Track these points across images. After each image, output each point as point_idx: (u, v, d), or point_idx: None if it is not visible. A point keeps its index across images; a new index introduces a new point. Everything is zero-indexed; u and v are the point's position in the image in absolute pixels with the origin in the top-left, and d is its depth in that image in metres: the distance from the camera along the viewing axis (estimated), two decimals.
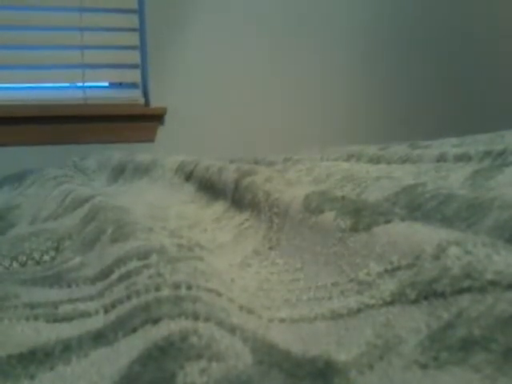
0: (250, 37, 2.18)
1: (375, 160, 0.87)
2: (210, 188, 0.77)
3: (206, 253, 0.56)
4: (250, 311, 0.40)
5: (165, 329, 0.34)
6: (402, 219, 0.41)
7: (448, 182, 0.65)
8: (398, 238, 0.39)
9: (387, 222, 0.41)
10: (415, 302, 0.32)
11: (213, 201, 0.74)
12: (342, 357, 0.31)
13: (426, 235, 0.37)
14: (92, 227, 0.66)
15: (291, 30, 2.22)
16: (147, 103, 2.10)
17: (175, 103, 2.09)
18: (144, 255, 0.48)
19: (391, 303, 0.34)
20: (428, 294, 0.32)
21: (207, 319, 0.35)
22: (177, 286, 0.40)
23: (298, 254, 0.49)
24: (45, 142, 1.96)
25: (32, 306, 0.43)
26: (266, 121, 2.20)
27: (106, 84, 2.12)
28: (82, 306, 0.43)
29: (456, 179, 0.66)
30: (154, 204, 0.79)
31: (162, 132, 2.10)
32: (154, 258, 0.47)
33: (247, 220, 0.62)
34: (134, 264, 0.47)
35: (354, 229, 0.43)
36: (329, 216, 0.47)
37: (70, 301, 0.45)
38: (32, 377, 0.33)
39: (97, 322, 0.40)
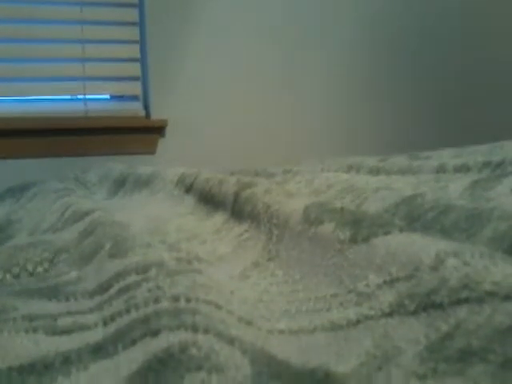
0: (250, 49, 2.19)
1: (375, 171, 0.88)
2: (210, 200, 0.77)
3: (206, 265, 0.56)
4: (249, 323, 0.40)
5: (164, 341, 0.34)
6: (401, 230, 0.42)
7: (447, 192, 0.65)
8: (396, 249, 0.39)
9: (386, 233, 0.41)
10: (414, 313, 0.33)
11: (213, 212, 0.74)
12: (341, 368, 0.31)
13: (425, 246, 0.37)
14: (90, 241, 0.66)
15: (292, 41, 2.23)
16: (148, 115, 2.11)
17: (176, 115, 2.10)
18: (143, 269, 0.48)
19: (390, 314, 0.34)
20: (426, 305, 0.32)
21: (206, 331, 0.35)
22: (176, 299, 0.40)
23: (298, 265, 0.49)
24: (46, 154, 1.97)
25: (31, 319, 0.43)
26: (267, 133, 2.20)
27: (107, 96, 2.13)
28: (81, 319, 0.43)
29: (455, 190, 0.66)
30: (154, 217, 0.79)
31: (162, 144, 2.11)
32: (152, 271, 0.47)
33: (247, 231, 0.62)
34: (132, 278, 0.47)
35: (353, 240, 0.43)
36: (328, 227, 0.47)
37: (69, 313, 0.45)
38: None
39: (96, 335, 0.40)
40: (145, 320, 0.37)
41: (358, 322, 0.35)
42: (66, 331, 0.41)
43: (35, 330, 0.41)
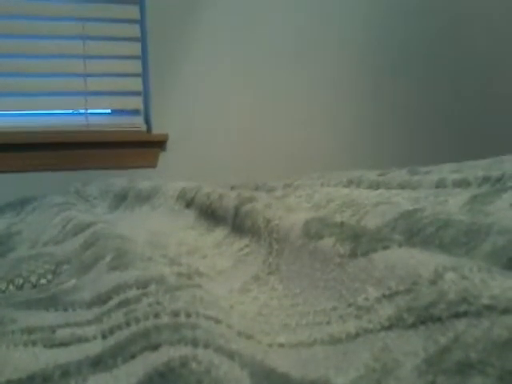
0: (251, 64, 2.20)
1: (375, 185, 0.88)
2: (210, 215, 0.78)
3: (206, 279, 0.56)
4: (249, 337, 0.40)
5: (165, 355, 0.34)
6: (400, 245, 0.42)
7: (446, 207, 0.66)
8: (395, 263, 0.39)
9: (385, 248, 0.42)
10: (412, 326, 0.33)
11: (213, 227, 0.74)
12: (340, 381, 0.31)
13: (423, 261, 0.37)
14: (90, 252, 0.66)
15: (293, 55, 2.24)
16: (149, 130, 2.12)
17: (177, 130, 2.10)
18: (143, 284, 0.48)
19: (389, 328, 0.34)
20: (425, 318, 0.33)
21: (206, 346, 0.35)
22: (176, 314, 0.40)
23: (298, 279, 0.49)
24: (48, 168, 1.97)
25: (29, 331, 0.43)
26: (267, 146, 2.21)
27: (109, 111, 2.14)
28: (79, 331, 0.43)
29: (454, 204, 0.66)
30: (155, 231, 0.79)
31: (163, 158, 2.12)
32: (153, 287, 0.47)
33: (247, 246, 0.62)
34: (133, 292, 0.47)
35: (353, 254, 0.44)
36: (328, 242, 0.48)
37: (68, 325, 0.45)
38: None
39: (95, 347, 0.40)
40: (145, 334, 0.38)
41: (357, 335, 0.36)
42: (65, 343, 0.41)
43: (34, 343, 0.41)
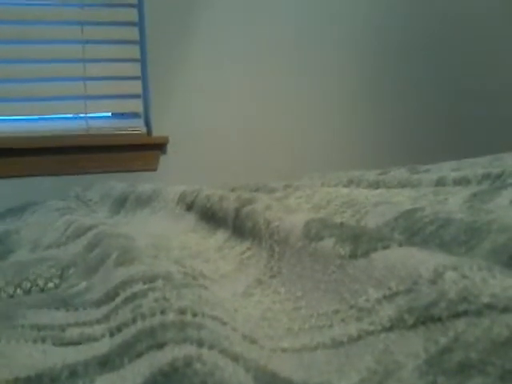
0: (250, 68, 2.20)
1: (375, 185, 0.88)
2: (211, 217, 0.78)
3: (209, 282, 0.56)
4: (253, 341, 0.40)
5: (169, 354, 0.34)
6: (400, 245, 0.42)
7: (446, 205, 0.66)
8: (395, 263, 0.39)
9: (385, 247, 0.42)
10: (413, 327, 0.33)
11: (214, 230, 0.75)
12: None
13: (423, 260, 0.37)
14: (96, 253, 0.66)
15: (292, 57, 2.25)
16: (149, 133, 2.12)
17: (177, 132, 2.10)
18: (150, 279, 0.48)
19: (390, 329, 0.34)
20: (425, 318, 0.33)
21: (211, 346, 0.35)
22: (182, 312, 0.40)
23: (300, 281, 0.49)
24: (48, 172, 1.98)
25: (39, 328, 0.43)
26: (267, 148, 2.21)
27: (109, 114, 2.14)
28: (88, 330, 0.44)
29: (454, 203, 0.67)
30: (157, 234, 0.80)
31: (164, 161, 2.12)
32: (159, 282, 0.47)
33: (249, 249, 0.62)
34: (139, 287, 0.47)
35: (353, 255, 0.44)
36: (328, 243, 0.48)
37: (77, 324, 0.45)
38: None
39: (103, 347, 0.40)
40: (151, 332, 0.38)
41: (359, 337, 0.36)
42: (74, 342, 0.41)
43: (43, 340, 0.41)
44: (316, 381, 0.33)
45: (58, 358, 0.38)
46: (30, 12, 1.99)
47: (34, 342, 0.41)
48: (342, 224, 0.51)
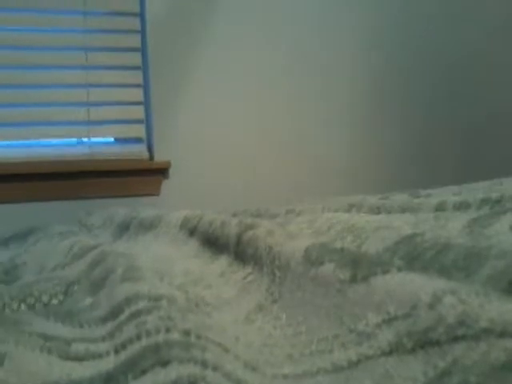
0: (251, 92, 2.22)
1: (375, 210, 0.89)
2: (213, 243, 0.78)
3: (212, 309, 0.57)
4: (255, 368, 0.40)
5: (174, 372, 0.34)
6: (400, 270, 0.42)
7: (446, 230, 0.66)
8: (395, 288, 0.39)
9: (385, 272, 0.42)
10: (412, 351, 0.33)
11: (217, 255, 0.75)
12: None
13: (422, 285, 0.38)
14: (100, 269, 0.67)
15: (292, 84, 2.27)
16: (152, 158, 2.13)
17: (179, 157, 2.12)
18: (155, 298, 0.49)
19: (389, 353, 0.35)
20: (424, 342, 0.33)
21: (215, 369, 0.35)
22: (187, 333, 0.40)
23: (300, 306, 0.49)
24: (52, 197, 1.98)
25: (46, 338, 0.43)
26: (268, 173, 2.22)
27: (112, 139, 2.16)
28: (93, 347, 0.44)
29: (454, 228, 0.67)
30: (159, 259, 0.80)
31: (166, 185, 2.13)
32: (164, 302, 0.48)
33: (250, 274, 0.63)
34: (144, 304, 0.48)
35: (353, 280, 0.44)
36: (328, 268, 0.48)
37: (83, 340, 0.46)
38: None
39: (107, 364, 0.40)
40: (155, 349, 0.38)
41: (359, 361, 0.36)
42: (79, 358, 0.42)
43: (49, 351, 0.41)
44: None
45: (62, 371, 0.39)
46: (34, 37, 2.02)
47: (41, 350, 0.41)
48: (342, 249, 0.51)
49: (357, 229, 0.67)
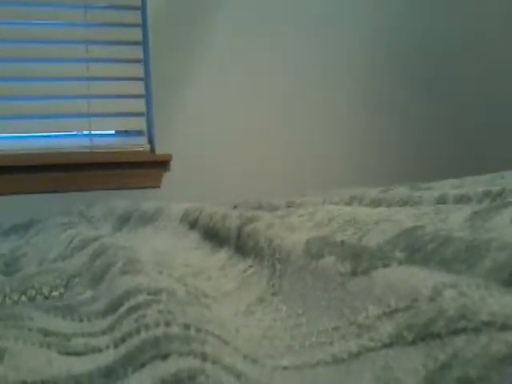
0: (252, 85, 2.22)
1: (376, 203, 0.88)
2: (214, 235, 0.78)
3: (212, 301, 0.57)
4: (255, 360, 0.40)
5: (173, 365, 0.34)
6: (400, 263, 0.42)
7: (447, 223, 0.66)
8: (395, 281, 0.39)
9: (385, 266, 0.42)
10: (412, 343, 0.33)
11: (217, 248, 0.75)
12: None
13: (423, 278, 0.38)
14: (101, 261, 0.67)
15: (292, 79, 2.26)
16: (153, 150, 2.13)
17: (180, 150, 2.12)
18: (154, 291, 0.49)
19: (390, 345, 0.34)
20: (425, 335, 0.33)
21: (215, 362, 0.35)
22: (186, 327, 0.40)
23: (300, 299, 0.49)
24: (52, 189, 1.99)
25: (45, 333, 0.43)
26: (269, 166, 2.22)
27: (113, 132, 2.16)
28: (93, 341, 0.44)
29: (455, 221, 0.67)
30: (160, 251, 0.80)
31: (167, 178, 2.13)
32: (163, 295, 0.48)
33: (251, 267, 0.63)
34: (143, 297, 0.48)
35: (354, 273, 0.44)
36: (329, 261, 0.48)
37: (82, 335, 0.46)
38: None
39: (107, 358, 0.40)
40: (155, 342, 0.38)
41: (359, 354, 0.36)
42: (78, 353, 0.42)
43: (49, 346, 0.41)
44: None
45: (62, 367, 0.39)
46: (35, 30, 2.02)
47: (41, 346, 0.41)
48: (342, 242, 0.51)
49: (357, 222, 0.67)
